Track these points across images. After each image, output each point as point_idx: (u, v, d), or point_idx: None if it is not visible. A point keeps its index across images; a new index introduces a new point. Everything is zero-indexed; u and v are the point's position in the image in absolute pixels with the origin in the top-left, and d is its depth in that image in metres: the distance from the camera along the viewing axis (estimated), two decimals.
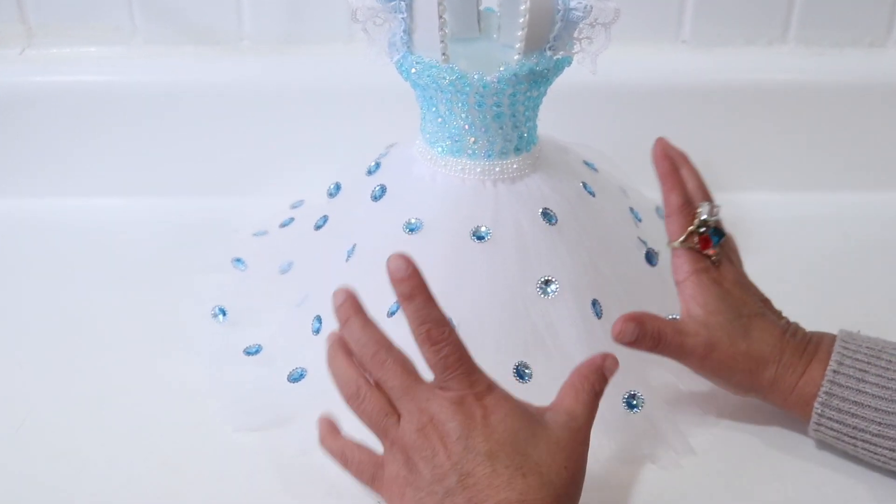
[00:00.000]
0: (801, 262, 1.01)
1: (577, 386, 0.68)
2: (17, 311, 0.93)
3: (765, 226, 1.06)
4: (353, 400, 0.66)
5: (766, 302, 0.79)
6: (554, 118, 0.89)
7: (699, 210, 0.79)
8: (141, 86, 1.08)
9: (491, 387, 0.65)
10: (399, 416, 0.65)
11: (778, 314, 0.79)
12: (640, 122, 1.09)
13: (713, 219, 0.78)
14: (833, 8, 1.10)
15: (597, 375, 0.68)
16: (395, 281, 0.64)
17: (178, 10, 1.09)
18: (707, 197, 0.81)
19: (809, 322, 0.87)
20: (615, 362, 0.70)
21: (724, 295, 0.76)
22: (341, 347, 0.68)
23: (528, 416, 0.65)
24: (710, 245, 0.78)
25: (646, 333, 0.73)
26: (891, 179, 1.12)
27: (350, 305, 0.67)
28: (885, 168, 1.12)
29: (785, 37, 1.11)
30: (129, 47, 1.11)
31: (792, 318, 0.80)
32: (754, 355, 0.75)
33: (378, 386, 0.66)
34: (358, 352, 0.66)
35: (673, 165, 0.81)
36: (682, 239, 0.78)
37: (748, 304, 0.77)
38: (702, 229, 0.78)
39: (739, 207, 1.07)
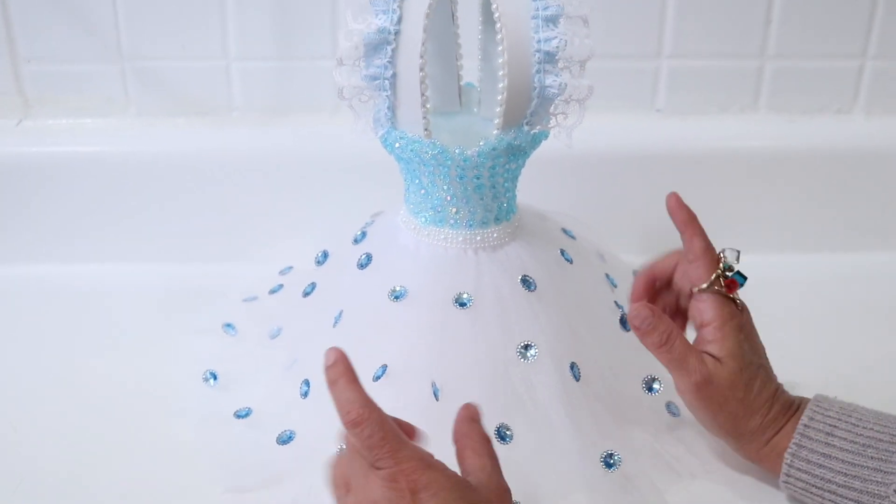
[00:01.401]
0: (773, 322, 1.00)
1: (468, 444, 0.69)
2: (13, 374, 0.94)
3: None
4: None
5: (767, 359, 0.81)
6: (535, 186, 0.92)
7: (724, 254, 0.81)
8: (134, 155, 1.10)
9: (422, 460, 0.64)
10: (349, 490, 0.66)
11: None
12: (617, 189, 1.12)
13: (737, 262, 0.81)
14: (801, 77, 1.13)
15: (472, 426, 0.70)
16: (325, 369, 0.65)
17: (170, 83, 1.13)
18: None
19: (794, 380, 0.89)
20: (475, 408, 0.71)
21: (742, 341, 0.78)
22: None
23: (461, 487, 0.65)
24: (736, 287, 0.80)
25: (657, 328, 0.77)
26: (860, 239, 1.15)
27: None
28: (856, 228, 1.15)
29: (756, 104, 1.15)
30: (123, 118, 1.14)
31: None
32: (748, 404, 0.77)
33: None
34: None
35: (690, 214, 0.84)
36: (708, 283, 0.80)
37: (758, 352, 0.80)
38: (728, 272, 0.80)
39: None
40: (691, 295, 0.81)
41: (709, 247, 0.82)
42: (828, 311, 1.05)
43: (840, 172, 1.13)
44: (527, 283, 0.84)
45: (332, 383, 0.65)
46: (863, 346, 0.99)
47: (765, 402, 0.77)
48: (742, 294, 1.04)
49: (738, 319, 0.79)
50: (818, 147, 1.13)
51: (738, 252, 0.81)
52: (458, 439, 0.70)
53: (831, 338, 1.01)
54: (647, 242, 1.12)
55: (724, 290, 0.80)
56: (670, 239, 1.11)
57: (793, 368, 0.92)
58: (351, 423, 0.63)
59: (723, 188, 1.13)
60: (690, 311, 0.81)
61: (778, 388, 0.79)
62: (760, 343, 0.81)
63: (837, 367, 0.95)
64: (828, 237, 1.15)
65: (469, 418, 0.71)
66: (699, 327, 0.80)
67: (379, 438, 0.63)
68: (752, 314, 1.01)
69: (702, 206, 1.10)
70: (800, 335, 1.00)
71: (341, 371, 0.65)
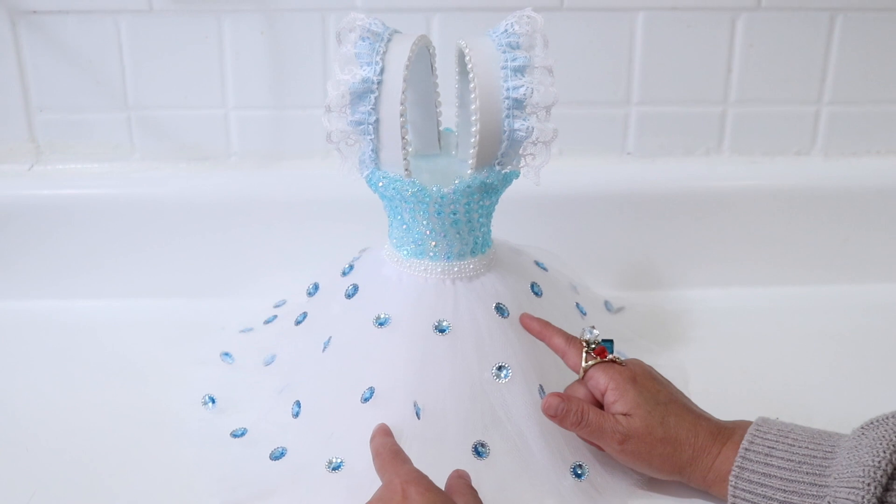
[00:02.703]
0: (737, 349, 1.07)
1: (456, 490, 0.77)
2: (26, 400, 0.97)
3: (704, 317, 1.12)
4: None
5: (678, 393, 0.86)
6: (518, 224, 0.99)
7: (582, 334, 0.88)
8: (139, 198, 1.14)
9: (417, 471, 0.74)
10: None
11: (691, 403, 0.86)
12: (592, 227, 1.17)
13: (595, 333, 0.87)
14: (762, 121, 1.18)
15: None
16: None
17: (172, 130, 1.17)
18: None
19: (745, 404, 0.93)
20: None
21: (640, 389, 0.83)
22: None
23: (445, 496, 0.73)
24: (606, 352, 0.87)
25: (570, 410, 0.82)
26: (818, 273, 1.18)
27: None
28: (814, 263, 1.18)
29: (720, 147, 1.20)
30: (129, 163, 1.18)
31: (729, 401, 0.86)
32: (671, 440, 0.81)
33: None
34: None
35: (541, 323, 0.90)
36: (584, 362, 0.86)
37: (661, 391, 0.84)
38: (593, 344, 0.87)
39: (682, 302, 1.16)
40: (582, 381, 0.86)
41: (568, 337, 0.88)
42: (787, 339, 1.09)
43: (800, 210, 1.17)
44: (500, 310, 0.90)
45: (371, 439, 0.81)
46: (820, 372, 1.03)
47: (687, 431, 0.81)
48: (711, 323, 1.11)
49: (628, 373, 0.84)
50: (779, 187, 1.17)
51: (593, 327, 0.88)
52: (448, 485, 0.78)
53: (789, 364, 1.04)
54: (620, 276, 1.18)
55: (598, 359, 0.86)
56: (643, 273, 1.18)
57: (757, 393, 0.99)
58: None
59: (689, 226, 1.17)
60: (591, 392, 0.86)
61: (700, 416, 0.83)
62: (664, 382, 0.86)
63: (794, 388, 0.99)
64: (788, 271, 1.18)
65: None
66: (601, 398, 0.85)
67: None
68: (715, 342, 1.07)
69: (670, 242, 1.17)
70: (760, 361, 1.04)
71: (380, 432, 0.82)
